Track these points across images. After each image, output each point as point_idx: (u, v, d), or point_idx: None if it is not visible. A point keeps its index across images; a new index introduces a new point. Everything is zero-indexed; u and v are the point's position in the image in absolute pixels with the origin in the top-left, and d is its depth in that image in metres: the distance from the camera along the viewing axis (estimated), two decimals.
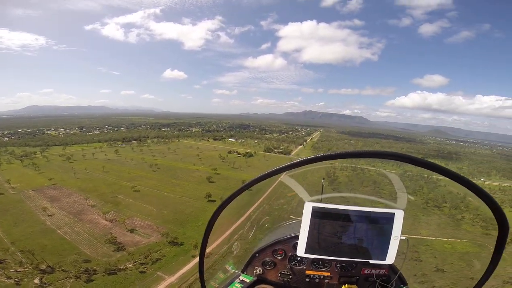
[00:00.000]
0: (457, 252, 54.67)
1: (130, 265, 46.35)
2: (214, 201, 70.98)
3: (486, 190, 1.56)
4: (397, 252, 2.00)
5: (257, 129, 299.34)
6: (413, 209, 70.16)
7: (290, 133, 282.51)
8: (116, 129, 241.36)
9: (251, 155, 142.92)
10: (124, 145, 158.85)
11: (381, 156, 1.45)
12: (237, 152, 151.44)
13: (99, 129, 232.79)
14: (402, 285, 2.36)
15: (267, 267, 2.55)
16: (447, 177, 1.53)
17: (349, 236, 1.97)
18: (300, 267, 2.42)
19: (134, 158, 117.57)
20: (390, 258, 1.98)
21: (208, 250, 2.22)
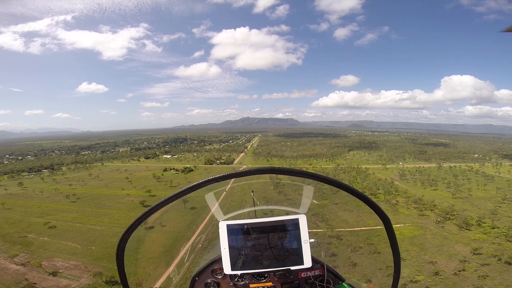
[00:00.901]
0: (406, 237, 61.48)
1: None
2: (152, 227, 67.21)
3: (361, 191, 2.00)
4: (314, 253, 2.14)
5: (196, 142, 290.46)
6: (355, 201, 77.17)
7: (231, 141, 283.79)
8: (20, 158, 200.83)
9: (191, 170, 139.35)
10: (32, 176, 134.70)
11: (287, 173, 1.69)
12: (174, 169, 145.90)
13: None
14: (340, 282, 2.50)
15: None
16: (324, 183, 1.81)
17: (265, 247, 2.08)
18: (243, 283, 2.44)
19: (46, 190, 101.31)
20: (307, 262, 2.07)
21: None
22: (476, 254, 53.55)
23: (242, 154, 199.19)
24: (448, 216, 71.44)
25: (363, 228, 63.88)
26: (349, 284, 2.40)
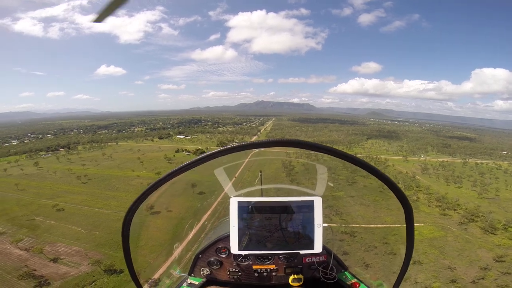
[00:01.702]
0: (425, 238, 56.95)
1: None
2: (158, 212, 64.82)
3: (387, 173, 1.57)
4: (325, 239, 1.99)
5: (209, 123, 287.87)
6: (372, 194, 71.89)
7: (244, 124, 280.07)
8: (40, 137, 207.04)
9: (203, 152, 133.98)
10: (49, 155, 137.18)
11: (302, 146, 1.46)
12: (186, 150, 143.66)
13: (18, 139, 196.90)
14: (343, 270, 2.41)
15: (214, 267, 2.42)
16: (349, 162, 1.59)
17: (276, 227, 1.93)
18: (246, 263, 2.33)
19: (59, 170, 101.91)
20: (317, 247, 1.94)
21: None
22: (499, 261, 49.01)
23: (255, 137, 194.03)
24: (472, 217, 65.64)
25: (380, 225, 59.02)
26: (351, 273, 2.38)
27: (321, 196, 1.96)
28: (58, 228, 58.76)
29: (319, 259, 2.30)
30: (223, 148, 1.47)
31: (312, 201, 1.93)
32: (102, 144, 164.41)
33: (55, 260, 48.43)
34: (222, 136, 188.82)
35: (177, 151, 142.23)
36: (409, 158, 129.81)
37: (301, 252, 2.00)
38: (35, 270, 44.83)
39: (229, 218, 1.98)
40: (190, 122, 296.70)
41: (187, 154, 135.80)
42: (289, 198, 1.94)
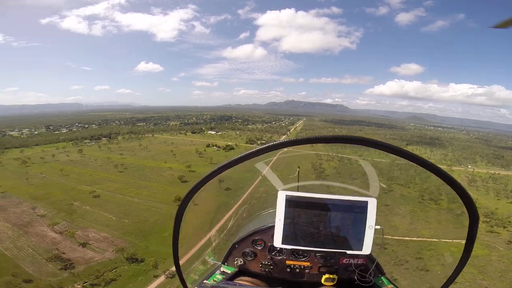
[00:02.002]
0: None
1: (78, 286, 40.07)
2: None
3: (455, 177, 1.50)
4: (373, 242, 1.90)
5: (240, 120, 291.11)
6: (409, 204, 65.75)
7: (273, 123, 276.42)
8: (86, 126, 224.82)
9: (232, 148, 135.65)
10: (92, 143, 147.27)
11: (350, 141, 1.40)
12: (216, 145, 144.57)
13: (67, 128, 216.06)
14: (380, 275, 2.32)
15: (248, 258, 2.42)
16: (414, 162, 1.50)
17: (324, 225, 1.84)
18: (280, 257, 2.32)
19: (100, 158, 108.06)
20: (366, 248, 1.86)
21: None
22: None
23: (284, 136, 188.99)
24: None
25: (415, 238, 53.36)
26: (388, 279, 2.29)
27: (375, 198, 1.86)
28: (92, 214, 60.90)
29: (357, 261, 2.20)
30: (278, 142, 1.40)
31: (366, 202, 1.84)
32: (140, 136, 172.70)
33: (84, 244, 49.83)
34: (251, 134, 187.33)
35: (208, 145, 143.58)
36: (454, 168, 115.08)
37: (348, 252, 1.87)
38: (64, 253, 46.44)
39: (269, 211, 1.99)
40: (222, 119, 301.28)
41: (217, 150, 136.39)
42: (342, 196, 1.83)
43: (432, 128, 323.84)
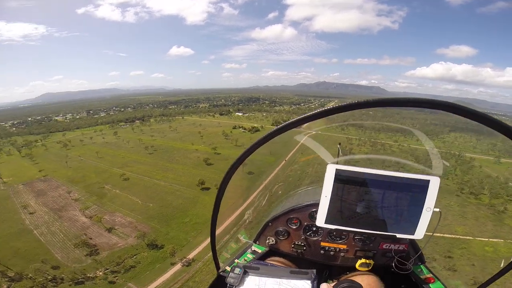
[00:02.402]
0: (501, 257, 41.33)
1: (100, 273, 40.05)
2: (208, 188, 62.54)
3: None
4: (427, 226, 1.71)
5: (267, 102, 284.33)
6: (445, 197, 57.16)
7: (302, 104, 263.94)
8: (122, 110, 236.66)
9: (257, 130, 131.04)
10: (127, 125, 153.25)
11: (414, 103, 1.12)
12: (242, 127, 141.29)
13: (105, 111, 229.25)
14: (420, 263, 2.14)
15: (280, 237, 2.32)
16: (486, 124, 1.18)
17: (376, 205, 1.63)
18: (315, 238, 2.22)
19: (132, 140, 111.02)
20: (419, 233, 1.65)
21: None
22: None
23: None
24: None
25: (447, 235, 46.72)
26: (427, 268, 2.11)
27: (439, 176, 1.61)
28: (120, 198, 61.63)
29: (398, 247, 2.05)
30: (321, 110, 1.21)
31: (428, 181, 1.58)
32: (170, 118, 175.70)
33: (109, 230, 50.29)
34: (277, 116, 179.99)
35: (234, 127, 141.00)
36: (503, 159, 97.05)
37: (398, 235, 1.66)
38: (91, 238, 47.21)
39: (306, 188, 1.82)
40: (249, 100, 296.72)
41: (243, 131, 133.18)
42: (401, 173, 1.58)
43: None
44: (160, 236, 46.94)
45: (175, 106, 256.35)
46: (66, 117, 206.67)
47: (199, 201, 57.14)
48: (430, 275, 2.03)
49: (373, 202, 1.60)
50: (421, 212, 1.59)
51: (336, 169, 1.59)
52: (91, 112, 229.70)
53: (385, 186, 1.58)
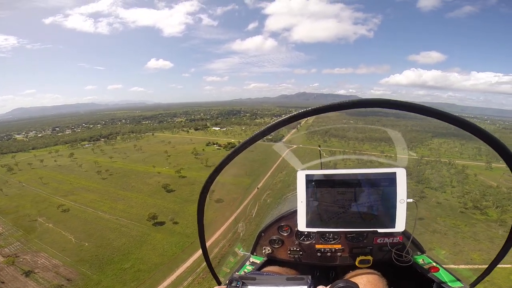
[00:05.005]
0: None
1: None
2: (161, 223, 54.92)
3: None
4: (407, 217, 1.74)
5: (248, 114, 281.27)
6: (448, 216, 52.55)
7: (283, 115, 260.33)
8: (91, 126, 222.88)
9: (234, 146, 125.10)
10: (90, 145, 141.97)
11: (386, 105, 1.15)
12: (217, 143, 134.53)
13: (72, 129, 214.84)
14: (420, 253, 2.19)
15: (275, 246, 2.37)
16: (456, 125, 1.18)
17: (351, 203, 1.69)
18: (308, 242, 2.25)
19: (89, 162, 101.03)
20: (399, 225, 1.68)
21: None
22: None
23: (294, 130, 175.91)
24: None
25: (462, 266, 39.64)
26: (429, 257, 2.16)
27: (404, 168, 1.67)
28: (52, 234, 52.65)
29: (392, 240, 2.08)
30: (287, 116, 1.22)
31: (394, 173, 1.63)
32: (139, 135, 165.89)
33: (28, 273, 41.57)
34: (257, 128, 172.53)
35: (208, 144, 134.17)
36: (493, 164, 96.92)
37: (379, 230, 1.69)
38: (3, 282, 38.72)
39: (293, 194, 1.83)
40: (229, 113, 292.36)
41: (217, 148, 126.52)
42: (366, 170, 1.67)
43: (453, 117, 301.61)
44: (89, 285, 38.71)
45: (149, 121, 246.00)
46: (28, 135, 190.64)
47: (148, 241, 49.22)
48: (433, 264, 2.04)
49: (347, 201, 1.65)
50: (396, 204, 1.61)
51: (306, 175, 1.67)
52: (57, 129, 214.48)
53: (355, 184, 1.64)
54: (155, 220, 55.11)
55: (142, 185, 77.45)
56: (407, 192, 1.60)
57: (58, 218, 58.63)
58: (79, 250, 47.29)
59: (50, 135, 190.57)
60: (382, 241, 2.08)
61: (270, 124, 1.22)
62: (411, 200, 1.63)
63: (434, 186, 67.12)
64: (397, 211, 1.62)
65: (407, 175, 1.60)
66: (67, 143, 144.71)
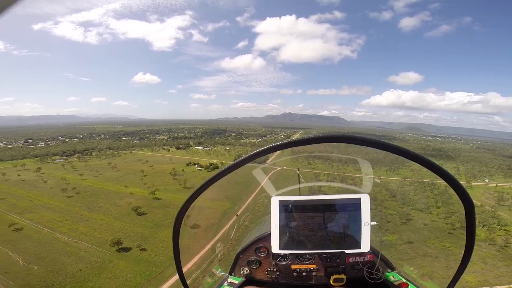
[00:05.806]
0: None
1: None
2: (127, 249, 50.81)
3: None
4: (373, 238, 1.91)
5: (233, 134, 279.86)
6: (437, 238, 52.56)
7: (269, 136, 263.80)
8: (67, 140, 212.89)
9: (216, 167, 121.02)
10: (60, 160, 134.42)
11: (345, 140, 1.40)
12: (198, 164, 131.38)
13: (47, 141, 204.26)
14: (390, 270, 2.33)
15: (253, 266, 2.45)
16: (410, 159, 1.52)
17: (320, 227, 1.86)
18: (284, 263, 2.35)
19: (56, 178, 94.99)
20: (365, 246, 1.85)
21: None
22: None
23: (278, 152, 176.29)
24: None
25: (430, 281, 37.75)
26: (399, 274, 2.30)
27: (368, 194, 1.86)
28: None
29: (363, 259, 2.22)
30: (266, 147, 1.48)
31: (359, 199, 1.82)
32: (116, 152, 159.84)
33: None
34: (242, 149, 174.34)
35: (188, 164, 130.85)
36: (473, 183, 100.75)
37: (347, 251, 1.88)
38: None
39: (269, 217, 2.04)
40: (214, 132, 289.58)
41: (198, 169, 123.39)
42: (334, 196, 1.85)
43: (430, 138, 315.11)
44: None
45: (130, 137, 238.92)
46: None
47: (109, 268, 44.85)
48: (403, 280, 2.16)
49: (317, 224, 1.80)
50: (361, 227, 1.78)
51: (279, 201, 1.83)
52: (29, 141, 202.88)
53: (324, 209, 1.80)
54: (120, 246, 50.97)
55: (110, 206, 72.85)
56: (371, 216, 1.77)
57: (7, 237, 53.03)
58: (26, 274, 42.28)
59: (21, 147, 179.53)
60: (354, 260, 2.18)
61: (237, 160, 1.41)
62: (374, 223, 1.79)
63: (420, 207, 68.21)
64: (362, 233, 1.78)
65: (371, 201, 1.79)
66: (36, 157, 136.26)
